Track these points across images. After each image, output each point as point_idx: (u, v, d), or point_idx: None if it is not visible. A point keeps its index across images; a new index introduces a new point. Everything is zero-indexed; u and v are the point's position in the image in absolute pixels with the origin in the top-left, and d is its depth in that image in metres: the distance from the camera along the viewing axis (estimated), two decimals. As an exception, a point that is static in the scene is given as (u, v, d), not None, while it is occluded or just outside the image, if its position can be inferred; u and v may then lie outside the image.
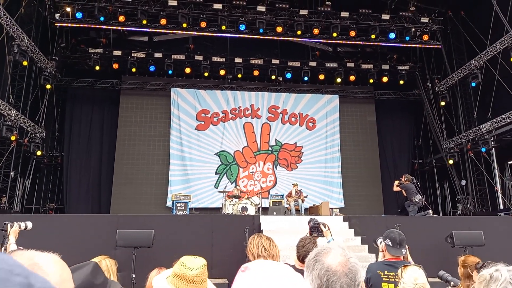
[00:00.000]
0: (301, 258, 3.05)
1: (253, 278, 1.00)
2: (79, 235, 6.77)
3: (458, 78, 14.10)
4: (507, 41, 11.39)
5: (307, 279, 1.26)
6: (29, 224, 3.74)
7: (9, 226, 3.63)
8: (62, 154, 15.04)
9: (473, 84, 13.26)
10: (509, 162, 12.90)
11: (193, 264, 1.60)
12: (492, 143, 12.60)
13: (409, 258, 3.63)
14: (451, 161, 14.20)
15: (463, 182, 13.97)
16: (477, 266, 3.08)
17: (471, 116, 14.14)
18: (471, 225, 7.97)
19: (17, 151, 12.08)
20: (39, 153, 12.64)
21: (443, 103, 14.88)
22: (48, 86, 13.18)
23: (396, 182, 10.62)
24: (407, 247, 3.39)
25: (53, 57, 13.64)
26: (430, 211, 10.50)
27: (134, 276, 5.77)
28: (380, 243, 3.51)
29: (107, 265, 2.70)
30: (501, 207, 12.69)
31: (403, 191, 10.38)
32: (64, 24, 13.25)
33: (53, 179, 14.88)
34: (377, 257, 4.10)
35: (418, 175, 16.78)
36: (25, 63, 11.67)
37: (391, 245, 3.29)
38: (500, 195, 12.88)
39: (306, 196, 12.57)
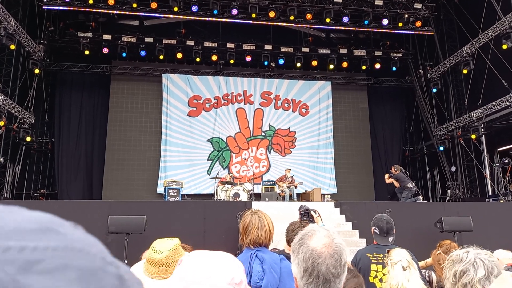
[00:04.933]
0: (291, 242, 3.08)
1: (186, 271, 0.99)
2: (71, 221, 6.73)
3: (450, 65, 14.14)
4: (499, 28, 11.41)
5: (294, 263, 1.26)
6: None
7: None
8: (52, 140, 14.88)
9: (465, 71, 13.32)
10: (499, 149, 13.07)
11: (161, 247, 1.59)
12: (482, 130, 12.74)
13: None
14: (441, 148, 14.35)
15: (453, 169, 14.15)
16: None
17: (462, 103, 14.24)
18: (460, 211, 8.10)
19: (6, 137, 11.92)
20: (28, 139, 12.48)
21: (434, 90, 14.95)
22: (37, 71, 12.93)
23: (387, 175, 10.79)
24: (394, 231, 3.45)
25: (41, 41, 13.35)
26: (420, 197, 10.67)
27: (126, 261, 5.79)
28: None
29: None
30: (490, 193, 12.90)
31: (395, 181, 10.51)
32: (52, 7, 12.94)
33: (44, 165, 14.75)
34: (367, 243, 4.16)
35: (409, 161, 16.96)
36: (12, 47, 11.39)
37: (378, 233, 3.37)
38: (489, 181, 13.09)
39: (301, 183, 12.62)
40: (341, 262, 1.21)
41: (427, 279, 3.07)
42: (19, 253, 0.25)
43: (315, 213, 3.36)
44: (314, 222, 3.34)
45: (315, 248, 1.22)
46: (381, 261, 3.22)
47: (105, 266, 0.28)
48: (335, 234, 1.29)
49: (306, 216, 3.35)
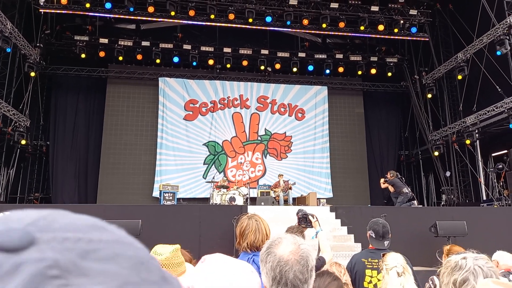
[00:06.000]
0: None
1: (208, 270, 1.02)
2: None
3: (445, 71, 14.26)
4: (493, 34, 11.53)
5: (262, 272, 1.27)
6: None
7: None
8: (47, 143, 14.80)
9: (459, 77, 13.43)
10: (493, 154, 13.16)
11: (162, 250, 1.65)
12: (477, 135, 12.83)
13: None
14: (436, 153, 14.43)
15: (448, 174, 14.22)
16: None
17: (457, 109, 14.34)
18: (454, 216, 8.14)
19: (1, 140, 11.85)
20: (23, 142, 12.41)
21: (429, 96, 15.06)
22: (33, 74, 12.89)
23: (382, 180, 10.84)
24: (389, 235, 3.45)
25: (38, 44, 13.32)
26: (415, 201, 10.70)
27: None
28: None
29: None
30: (484, 198, 12.98)
31: (390, 186, 10.56)
32: (48, 10, 12.93)
33: (38, 169, 14.66)
34: (363, 248, 4.16)
35: (404, 166, 17.02)
36: (8, 49, 11.37)
37: (374, 237, 3.36)
38: (483, 187, 13.16)
39: (294, 183, 12.63)
40: (308, 267, 1.23)
41: (432, 286, 3.07)
42: (76, 243, 0.29)
43: (313, 217, 3.35)
44: (312, 227, 3.34)
45: (282, 256, 1.23)
46: (376, 266, 3.22)
47: (152, 258, 0.32)
48: (301, 240, 1.31)
49: (304, 221, 3.34)
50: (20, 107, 12.79)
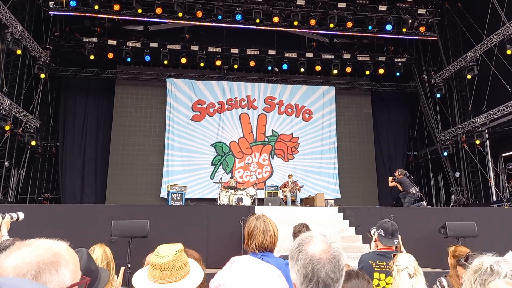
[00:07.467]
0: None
1: (238, 270, 1.03)
2: (74, 225, 6.77)
3: (454, 70, 14.12)
4: (503, 33, 11.39)
5: (293, 270, 1.27)
6: (21, 215, 3.71)
7: (0, 217, 3.59)
8: (56, 144, 14.96)
9: (469, 77, 13.29)
10: (503, 155, 13.00)
11: (165, 252, 1.60)
12: (487, 135, 12.68)
13: (402, 248, 3.68)
14: (445, 153, 14.29)
15: (457, 174, 14.07)
16: (460, 261, 3.11)
17: (466, 109, 14.19)
18: (464, 216, 8.05)
19: (11, 141, 11.99)
20: (33, 143, 12.56)
21: (438, 95, 14.92)
22: (42, 76, 13.04)
23: (390, 178, 10.76)
24: (399, 237, 3.43)
25: (47, 46, 13.48)
26: (424, 202, 10.62)
27: (129, 266, 5.79)
28: (374, 233, 3.55)
29: (107, 254, 2.71)
30: (494, 199, 12.82)
31: (398, 185, 10.47)
32: (57, 13, 13.07)
33: (48, 169, 14.81)
34: (370, 247, 4.14)
35: (412, 167, 16.88)
36: (18, 52, 11.51)
37: (383, 235, 3.34)
38: (493, 187, 13.00)
39: (302, 186, 12.63)
40: (339, 267, 1.23)
41: (440, 287, 3.04)
42: None
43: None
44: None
45: (314, 254, 1.23)
46: (384, 269, 3.18)
47: None
48: (331, 239, 1.31)
49: None
50: (30, 109, 12.94)
